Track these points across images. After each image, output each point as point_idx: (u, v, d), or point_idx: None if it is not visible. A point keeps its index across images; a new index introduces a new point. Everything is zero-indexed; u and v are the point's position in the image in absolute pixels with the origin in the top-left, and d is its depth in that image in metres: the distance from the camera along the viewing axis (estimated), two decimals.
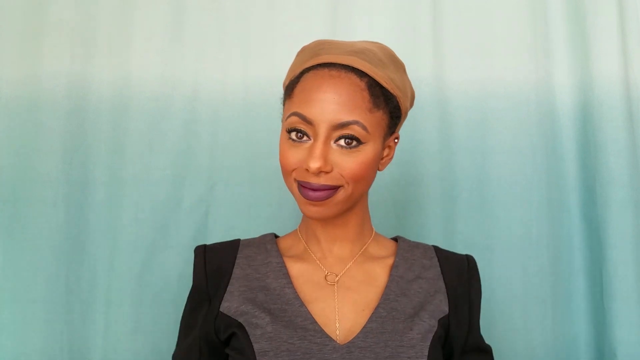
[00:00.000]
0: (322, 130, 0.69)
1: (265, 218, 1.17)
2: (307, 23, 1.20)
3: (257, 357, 0.69)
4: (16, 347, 1.12)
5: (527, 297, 1.16)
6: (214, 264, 0.81)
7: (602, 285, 1.12)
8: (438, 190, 1.18)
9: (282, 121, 0.77)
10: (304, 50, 0.79)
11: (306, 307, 0.74)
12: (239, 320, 0.74)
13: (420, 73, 1.17)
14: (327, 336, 0.71)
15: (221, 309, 0.76)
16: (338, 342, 0.71)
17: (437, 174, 1.18)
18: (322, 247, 0.81)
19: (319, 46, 0.76)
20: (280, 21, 1.21)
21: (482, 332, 1.18)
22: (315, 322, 0.73)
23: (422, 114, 1.16)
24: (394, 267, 0.81)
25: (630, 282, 1.09)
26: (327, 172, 0.70)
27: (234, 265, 0.80)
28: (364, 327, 0.73)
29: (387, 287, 0.78)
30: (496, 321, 1.17)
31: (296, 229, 0.86)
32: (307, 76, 0.73)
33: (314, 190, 0.70)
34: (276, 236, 0.88)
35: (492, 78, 1.21)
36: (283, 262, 0.80)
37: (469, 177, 1.19)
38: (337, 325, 0.73)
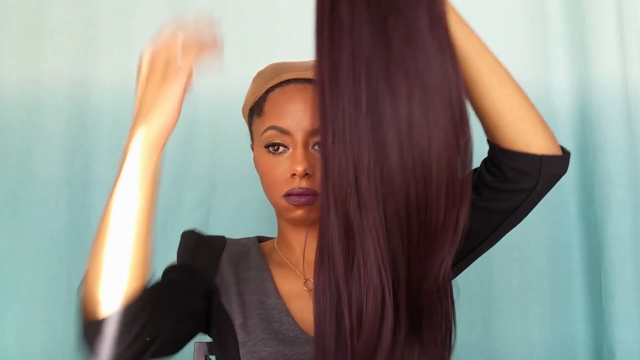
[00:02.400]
0: (299, 138, 0.73)
1: (265, 218, 1.18)
2: (307, 23, 1.20)
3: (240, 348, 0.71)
4: (18, 346, 1.13)
5: (526, 297, 1.17)
6: (204, 251, 0.81)
7: (601, 285, 1.13)
8: None
9: (252, 141, 0.80)
10: (260, 74, 0.84)
11: (283, 302, 0.76)
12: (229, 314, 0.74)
13: None
14: (300, 329, 0.73)
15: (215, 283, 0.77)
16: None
17: None
18: (296, 255, 0.82)
19: (276, 68, 0.81)
20: (280, 21, 1.22)
21: (482, 331, 1.18)
22: (290, 315, 0.74)
23: None
24: None
25: (629, 281, 1.10)
26: (310, 176, 0.73)
27: (219, 259, 0.80)
28: None
29: None
30: (496, 321, 1.17)
31: (274, 239, 0.87)
32: (274, 94, 0.77)
33: (299, 195, 0.74)
34: (259, 239, 0.88)
35: None
36: (267, 266, 0.81)
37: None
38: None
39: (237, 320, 0.73)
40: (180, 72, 0.64)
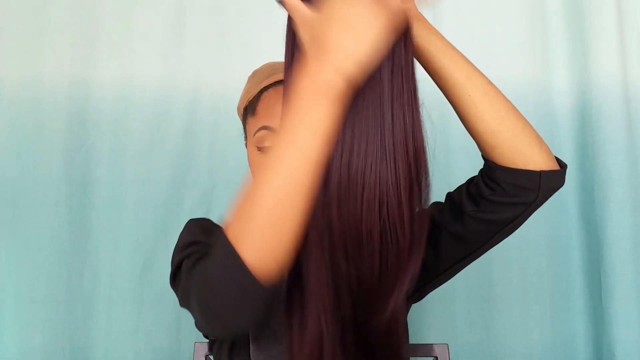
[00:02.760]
0: None
1: None
2: None
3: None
4: (18, 346, 1.13)
5: (526, 297, 1.17)
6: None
7: (601, 285, 1.13)
8: (436, 191, 1.18)
9: (246, 140, 0.80)
10: (255, 73, 0.84)
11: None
12: None
13: (419, 74, 1.17)
14: None
15: None
16: None
17: (435, 174, 1.18)
18: None
19: (271, 67, 0.81)
20: (280, 21, 1.21)
21: (481, 331, 1.18)
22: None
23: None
24: None
25: (629, 281, 1.10)
26: None
27: None
28: None
29: None
30: (495, 320, 1.17)
31: None
32: (268, 93, 0.76)
33: None
34: None
35: (490, 78, 1.20)
36: None
37: (468, 177, 1.19)
38: None
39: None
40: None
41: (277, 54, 1.24)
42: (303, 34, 0.53)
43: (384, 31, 0.50)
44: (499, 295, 1.18)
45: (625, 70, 1.15)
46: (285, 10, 0.55)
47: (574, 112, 1.20)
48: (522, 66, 1.21)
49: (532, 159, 0.64)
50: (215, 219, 1.18)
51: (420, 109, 0.60)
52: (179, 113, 1.20)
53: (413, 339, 0.86)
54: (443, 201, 0.76)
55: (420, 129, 0.59)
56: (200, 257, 0.64)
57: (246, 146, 0.81)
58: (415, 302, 0.82)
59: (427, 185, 0.61)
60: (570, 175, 1.20)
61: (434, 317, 1.17)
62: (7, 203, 1.16)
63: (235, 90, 1.20)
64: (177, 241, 0.75)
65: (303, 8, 0.53)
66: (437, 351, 0.97)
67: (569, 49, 1.21)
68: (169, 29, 1.21)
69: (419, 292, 0.79)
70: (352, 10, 0.49)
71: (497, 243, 0.73)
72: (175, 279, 0.71)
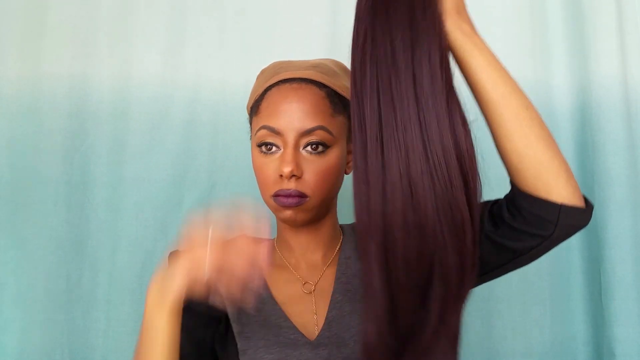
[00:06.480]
0: (290, 139, 0.73)
1: (266, 218, 1.17)
2: (307, 24, 1.21)
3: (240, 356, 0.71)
4: (17, 346, 1.13)
5: (526, 297, 1.17)
6: None
7: (601, 285, 1.13)
8: None
9: (251, 139, 0.80)
10: (263, 72, 0.84)
11: (280, 308, 0.76)
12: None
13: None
14: (300, 333, 0.73)
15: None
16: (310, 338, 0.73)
17: None
18: (296, 255, 0.82)
19: (277, 66, 0.81)
20: (280, 21, 1.21)
21: (481, 330, 1.18)
22: (289, 320, 0.74)
23: None
24: (341, 251, 0.83)
25: (629, 281, 1.10)
26: (298, 177, 0.73)
27: None
28: (325, 317, 0.75)
29: (337, 270, 0.80)
30: (495, 321, 1.17)
31: (273, 239, 0.87)
32: (271, 92, 0.77)
33: (286, 196, 0.73)
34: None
35: None
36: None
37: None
38: (316, 327, 0.75)
39: (236, 328, 0.73)
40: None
41: (277, 53, 1.24)
42: None
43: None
44: (499, 295, 1.18)
45: (625, 70, 1.15)
46: None
47: (574, 112, 1.20)
48: (522, 66, 1.20)
49: (555, 190, 0.63)
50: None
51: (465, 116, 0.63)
52: (179, 113, 1.20)
53: None
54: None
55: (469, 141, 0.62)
56: None
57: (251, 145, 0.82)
58: None
59: (480, 185, 0.64)
60: None
61: None
62: (6, 203, 1.16)
63: (236, 90, 1.21)
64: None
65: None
66: None
67: (569, 49, 1.21)
68: (169, 29, 1.21)
69: None
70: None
71: (505, 273, 0.72)
72: None
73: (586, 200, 0.66)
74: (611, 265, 1.11)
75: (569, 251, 1.19)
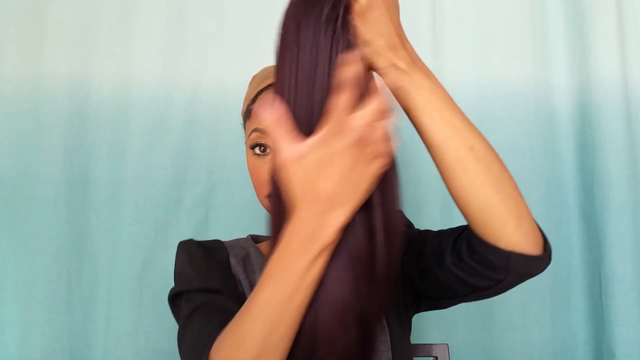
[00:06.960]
0: None
1: (264, 218, 1.17)
2: None
3: None
4: (18, 346, 1.13)
5: (526, 297, 1.17)
6: (215, 261, 0.81)
7: (601, 285, 1.13)
8: (437, 191, 1.18)
9: (245, 144, 0.82)
10: (254, 78, 0.85)
11: None
12: None
13: None
14: None
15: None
16: None
17: (437, 174, 1.17)
18: None
19: (267, 71, 0.82)
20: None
21: (481, 331, 1.18)
22: None
23: None
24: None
25: (629, 281, 1.10)
26: None
27: (230, 266, 0.80)
28: None
29: None
30: (495, 321, 1.17)
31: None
32: (262, 97, 0.78)
33: None
34: (254, 239, 0.88)
35: (491, 79, 1.21)
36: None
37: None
38: None
39: None
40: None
41: None
42: (289, 174, 0.53)
43: (374, 179, 0.53)
44: (499, 295, 1.17)
45: (625, 70, 1.15)
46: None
47: (574, 112, 1.20)
48: (522, 66, 1.21)
49: (503, 237, 0.58)
50: (214, 219, 1.19)
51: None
52: (179, 113, 1.20)
53: (413, 339, 0.85)
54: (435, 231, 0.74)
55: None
56: (196, 308, 0.69)
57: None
58: (416, 312, 0.82)
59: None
60: (570, 175, 1.21)
61: (434, 317, 1.17)
62: (6, 202, 1.16)
63: (236, 90, 1.20)
64: (175, 263, 0.80)
65: (290, 147, 0.53)
66: (437, 351, 0.97)
67: (569, 49, 1.21)
68: (169, 29, 1.21)
69: (416, 305, 0.80)
70: (341, 159, 0.51)
71: (474, 300, 0.69)
72: (173, 302, 0.75)
73: (545, 244, 0.61)
74: (611, 265, 1.11)
75: (569, 251, 1.19)
